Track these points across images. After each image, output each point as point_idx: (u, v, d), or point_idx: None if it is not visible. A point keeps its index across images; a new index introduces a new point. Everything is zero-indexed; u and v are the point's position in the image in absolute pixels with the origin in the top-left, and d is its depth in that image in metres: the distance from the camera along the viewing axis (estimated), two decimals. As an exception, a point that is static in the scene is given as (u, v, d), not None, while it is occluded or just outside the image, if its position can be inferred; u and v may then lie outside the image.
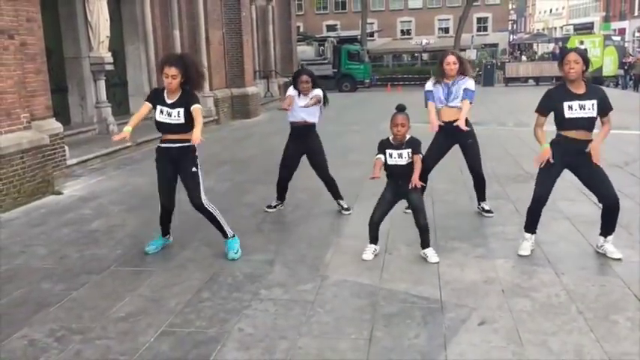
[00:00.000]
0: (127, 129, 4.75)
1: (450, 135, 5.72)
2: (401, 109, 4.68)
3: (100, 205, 6.79)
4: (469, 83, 5.71)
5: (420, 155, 4.72)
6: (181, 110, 4.70)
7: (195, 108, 4.73)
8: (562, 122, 4.52)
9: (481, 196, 6.08)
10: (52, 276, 4.55)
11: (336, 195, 6.25)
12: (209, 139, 11.92)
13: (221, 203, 6.60)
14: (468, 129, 5.64)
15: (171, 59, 4.79)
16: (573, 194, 6.34)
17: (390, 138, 4.71)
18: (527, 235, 4.85)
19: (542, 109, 4.64)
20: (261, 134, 13.35)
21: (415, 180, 4.59)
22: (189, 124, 4.71)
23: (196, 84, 4.85)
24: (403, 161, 4.66)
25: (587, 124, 4.46)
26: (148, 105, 4.84)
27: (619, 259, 4.58)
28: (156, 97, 4.84)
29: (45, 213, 6.48)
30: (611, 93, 21.46)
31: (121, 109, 12.89)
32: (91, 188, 7.69)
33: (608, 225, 4.67)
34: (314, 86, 5.98)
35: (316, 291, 4.16)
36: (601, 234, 4.74)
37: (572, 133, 4.50)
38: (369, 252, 4.81)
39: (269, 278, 4.44)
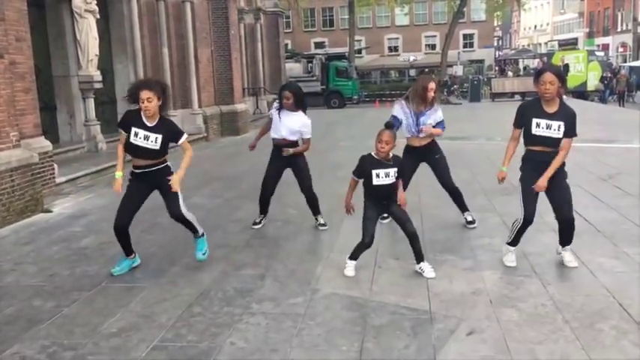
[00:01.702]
0: (119, 175, 4.90)
1: (418, 156, 5.93)
2: (389, 126, 4.72)
3: (89, 222, 6.80)
4: (439, 114, 5.86)
5: (401, 183, 4.82)
6: (159, 137, 4.68)
7: (185, 144, 4.82)
8: (529, 138, 4.62)
9: (462, 208, 6.16)
10: (43, 293, 4.56)
11: (315, 211, 6.28)
12: (199, 157, 11.98)
13: (211, 219, 6.68)
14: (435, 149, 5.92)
15: (145, 83, 4.79)
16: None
17: (373, 153, 4.66)
18: (512, 248, 4.94)
19: (516, 123, 4.74)
20: (250, 152, 13.39)
21: (402, 198, 4.77)
22: (162, 151, 4.75)
23: (167, 106, 4.90)
24: (389, 180, 4.63)
25: (552, 143, 4.54)
26: (124, 135, 4.75)
27: (575, 267, 4.78)
28: (131, 119, 4.74)
29: (34, 231, 6.48)
30: (597, 107, 21.80)
31: (110, 127, 12.89)
32: (80, 206, 7.70)
33: (564, 238, 4.82)
34: (297, 104, 5.97)
35: (307, 304, 4.21)
36: (560, 243, 4.91)
37: (537, 148, 4.60)
38: (351, 268, 4.79)
39: (260, 292, 4.48)
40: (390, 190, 4.67)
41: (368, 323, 3.87)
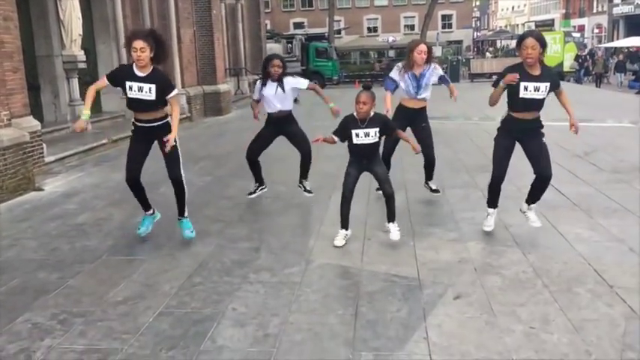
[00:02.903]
0: (86, 115, 4.77)
1: (408, 118, 6.06)
2: (366, 87, 4.80)
3: (83, 200, 6.93)
4: (438, 71, 6.00)
5: (397, 129, 4.98)
6: (153, 87, 4.68)
7: (173, 98, 4.84)
8: (515, 102, 4.79)
9: (429, 176, 6.43)
10: (46, 266, 4.72)
11: (304, 173, 6.45)
12: (184, 136, 12.08)
13: (203, 196, 6.86)
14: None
15: (139, 33, 4.76)
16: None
17: (354, 114, 4.78)
18: (491, 210, 5.20)
19: (497, 82, 4.87)
20: (234, 131, 13.52)
21: (415, 146, 5.04)
22: (160, 101, 4.78)
23: (163, 58, 4.84)
24: (370, 140, 4.76)
25: (538, 105, 4.78)
26: (105, 81, 4.80)
27: (538, 227, 5.11)
28: (123, 73, 4.77)
29: (29, 209, 6.60)
30: (574, 88, 22.09)
31: (94, 108, 12.85)
32: (72, 184, 7.81)
33: (534, 195, 5.07)
34: (284, 72, 6.07)
35: (302, 273, 4.43)
36: (526, 201, 5.15)
37: (521, 115, 4.82)
38: (341, 238, 4.97)
39: (256, 263, 4.69)
40: (371, 150, 4.81)
41: (361, 290, 4.11)
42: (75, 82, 11.76)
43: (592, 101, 17.10)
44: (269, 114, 6.24)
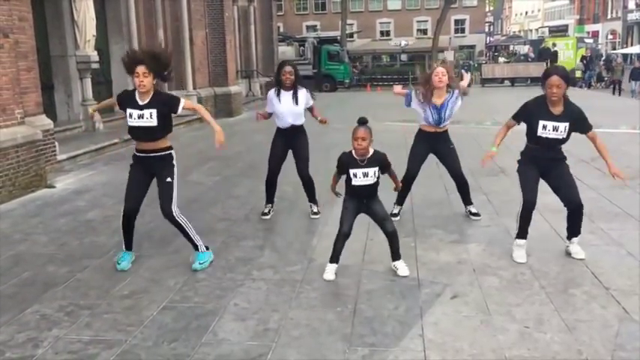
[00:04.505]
0: (91, 109, 5.15)
1: (430, 142, 5.76)
2: (363, 122, 4.38)
3: (93, 197, 7.08)
4: (458, 103, 5.66)
5: (393, 172, 4.61)
6: (154, 112, 4.46)
7: (188, 105, 4.62)
8: (533, 137, 4.60)
9: (467, 200, 6.04)
10: (56, 260, 4.86)
11: (312, 197, 6.24)
12: (195, 137, 12.24)
13: (210, 195, 6.98)
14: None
15: (142, 57, 4.49)
16: (540, 187, 6.77)
17: (353, 152, 4.42)
18: (521, 241, 4.77)
19: (517, 118, 4.73)
20: (244, 132, 13.66)
21: (397, 184, 4.76)
22: (163, 128, 4.54)
23: (167, 75, 4.64)
24: (369, 181, 4.39)
25: (557, 144, 4.58)
26: (114, 100, 4.78)
27: (582, 259, 4.69)
28: (126, 100, 4.60)
29: (40, 205, 6.76)
30: (585, 94, 21.91)
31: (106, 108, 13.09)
32: (83, 182, 7.97)
33: (574, 228, 4.77)
34: (297, 80, 5.90)
35: (304, 272, 4.53)
36: (567, 237, 4.85)
37: (541, 149, 4.61)
38: (331, 271, 4.48)
39: (260, 261, 4.79)
40: (370, 191, 4.46)
41: (360, 288, 4.20)
42: (88, 82, 11.96)
43: (604, 107, 17.07)
44: (279, 128, 6.08)
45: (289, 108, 5.88)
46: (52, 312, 3.87)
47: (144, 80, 4.42)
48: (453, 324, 3.63)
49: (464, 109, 5.99)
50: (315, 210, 6.22)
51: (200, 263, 4.67)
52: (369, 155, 4.38)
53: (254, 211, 6.37)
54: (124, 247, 4.81)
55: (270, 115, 6.10)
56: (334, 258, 4.52)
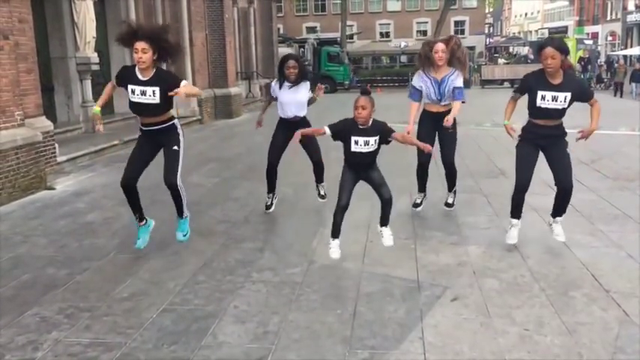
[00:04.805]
0: (96, 110, 4.72)
1: (435, 123, 5.72)
2: (365, 92, 4.46)
3: (93, 199, 7.07)
4: (459, 80, 5.60)
5: (395, 132, 4.54)
6: (156, 89, 4.47)
7: (185, 86, 4.54)
8: (533, 109, 4.68)
9: (451, 187, 6.14)
10: (55, 262, 4.85)
11: (320, 178, 6.40)
12: (195, 138, 12.24)
13: (210, 197, 6.98)
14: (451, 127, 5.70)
15: (142, 32, 4.47)
16: (540, 189, 6.76)
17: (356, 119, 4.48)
18: (514, 220, 4.98)
19: (518, 89, 4.88)
20: (244, 133, 13.66)
21: (421, 146, 4.67)
22: (165, 104, 4.58)
23: (173, 56, 4.62)
24: (369, 149, 4.47)
25: (557, 114, 4.63)
26: (112, 83, 4.72)
27: (563, 242, 4.95)
28: (126, 76, 4.56)
29: (40, 207, 6.75)
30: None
31: (106, 109, 12.96)
32: (82, 184, 7.97)
33: (559, 207, 4.96)
34: (301, 73, 5.90)
35: (304, 274, 4.52)
36: (552, 214, 5.03)
37: (541, 122, 4.71)
38: (336, 248, 4.67)
39: (260, 263, 4.79)
40: (369, 159, 4.54)
41: (360, 291, 4.20)
42: (88, 83, 11.95)
43: (605, 109, 17.08)
44: (281, 118, 6.12)
45: (293, 97, 5.92)
46: (51, 314, 3.87)
47: (142, 56, 4.39)
48: (452, 326, 3.62)
49: (463, 110, 5.98)
50: (322, 192, 6.40)
51: (184, 235, 4.96)
52: (370, 123, 4.46)
53: (254, 213, 6.36)
54: (137, 222, 4.98)
55: (273, 99, 6.15)
56: (335, 232, 4.64)
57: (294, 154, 6.38)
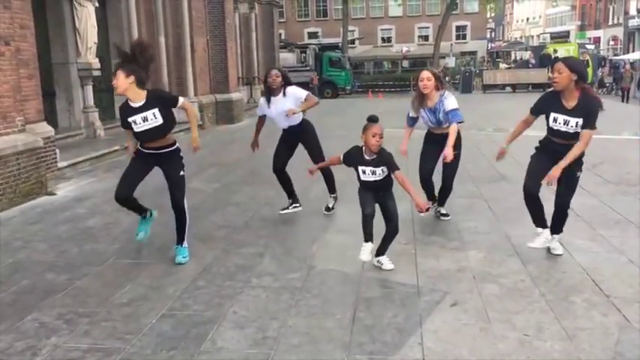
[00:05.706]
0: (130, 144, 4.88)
1: (439, 143, 5.69)
2: (374, 119, 4.44)
3: (94, 204, 7.08)
4: (449, 102, 5.56)
5: (399, 170, 4.47)
6: (155, 111, 4.51)
7: (184, 103, 4.64)
8: (548, 128, 4.67)
9: (442, 202, 6.13)
10: (55, 268, 4.85)
11: (331, 187, 6.36)
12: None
13: (210, 202, 6.98)
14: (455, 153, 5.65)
15: (119, 63, 4.54)
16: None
17: (363, 149, 4.51)
18: (538, 230, 4.89)
19: (533, 111, 4.81)
20: (245, 139, 13.56)
21: (413, 196, 4.49)
22: (169, 123, 4.61)
23: (148, 75, 4.60)
24: (378, 177, 4.51)
25: (570, 136, 4.53)
26: (126, 129, 4.76)
27: (559, 255, 4.89)
28: (123, 114, 4.63)
29: (41, 212, 6.76)
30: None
31: (108, 114, 13.13)
32: (83, 189, 7.98)
33: (555, 225, 4.90)
34: (285, 81, 5.89)
35: (304, 279, 4.52)
36: (551, 231, 4.92)
37: (557, 139, 4.65)
38: (367, 251, 4.61)
39: (259, 268, 4.78)
40: (380, 185, 4.55)
41: (360, 296, 4.19)
42: (89, 89, 11.99)
43: (607, 114, 17.09)
44: (283, 129, 6.21)
45: (281, 108, 5.91)
46: (50, 320, 3.87)
47: (115, 83, 4.46)
48: (452, 332, 3.61)
49: (465, 115, 5.97)
50: (331, 206, 6.37)
51: (183, 257, 4.88)
52: (377, 155, 4.46)
53: (254, 218, 6.36)
54: (139, 217, 5.09)
55: (262, 118, 6.26)
56: (368, 236, 4.61)
57: (295, 157, 6.39)
